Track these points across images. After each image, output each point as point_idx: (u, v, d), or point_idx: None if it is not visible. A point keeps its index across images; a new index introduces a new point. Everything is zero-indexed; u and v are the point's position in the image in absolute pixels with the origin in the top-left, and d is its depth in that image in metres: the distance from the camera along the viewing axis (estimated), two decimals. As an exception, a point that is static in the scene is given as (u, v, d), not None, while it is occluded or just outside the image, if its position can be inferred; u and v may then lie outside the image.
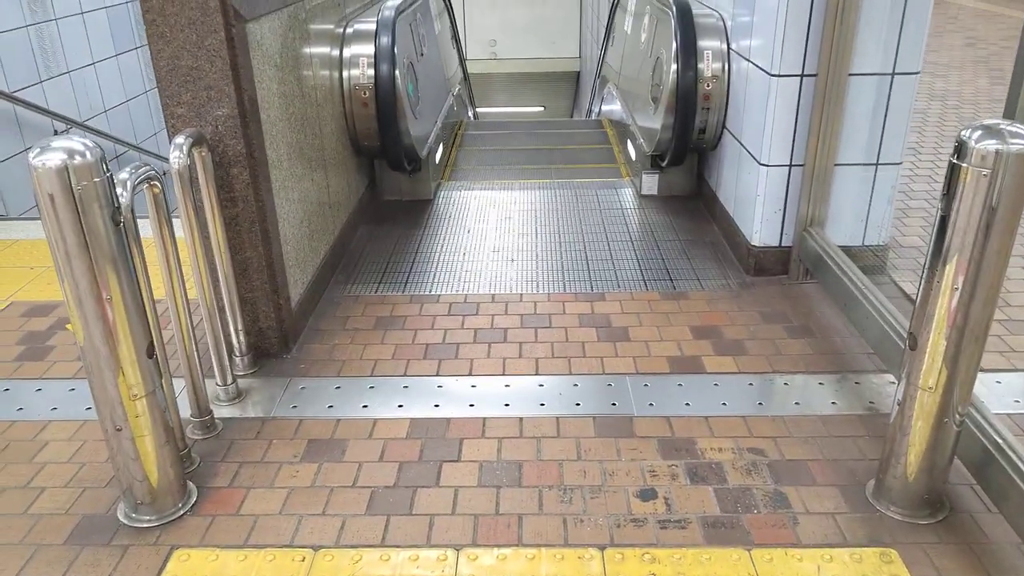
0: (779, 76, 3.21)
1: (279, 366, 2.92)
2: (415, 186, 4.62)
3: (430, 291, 3.50)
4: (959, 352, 1.93)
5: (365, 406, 2.65)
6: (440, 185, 4.96)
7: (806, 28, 3.12)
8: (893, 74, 3.18)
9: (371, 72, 3.86)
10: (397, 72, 3.88)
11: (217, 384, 2.65)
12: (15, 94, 5.29)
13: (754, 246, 3.53)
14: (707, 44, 3.88)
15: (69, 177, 1.82)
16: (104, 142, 6.16)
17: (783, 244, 3.51)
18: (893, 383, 2.70)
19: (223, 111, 2.62)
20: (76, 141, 1.86)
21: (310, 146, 3.35)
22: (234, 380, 2.69)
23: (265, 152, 2.80)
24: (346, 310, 3.34)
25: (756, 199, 3.46)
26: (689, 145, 4.04)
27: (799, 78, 3.21)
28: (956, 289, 1.86)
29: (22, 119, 5.38)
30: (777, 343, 3.00)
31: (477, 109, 13.35)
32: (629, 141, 5.15)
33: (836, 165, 3.30)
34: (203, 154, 2.54)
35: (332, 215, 3.67)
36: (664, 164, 4.29)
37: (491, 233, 4.15)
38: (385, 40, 3.89)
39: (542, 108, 15.50)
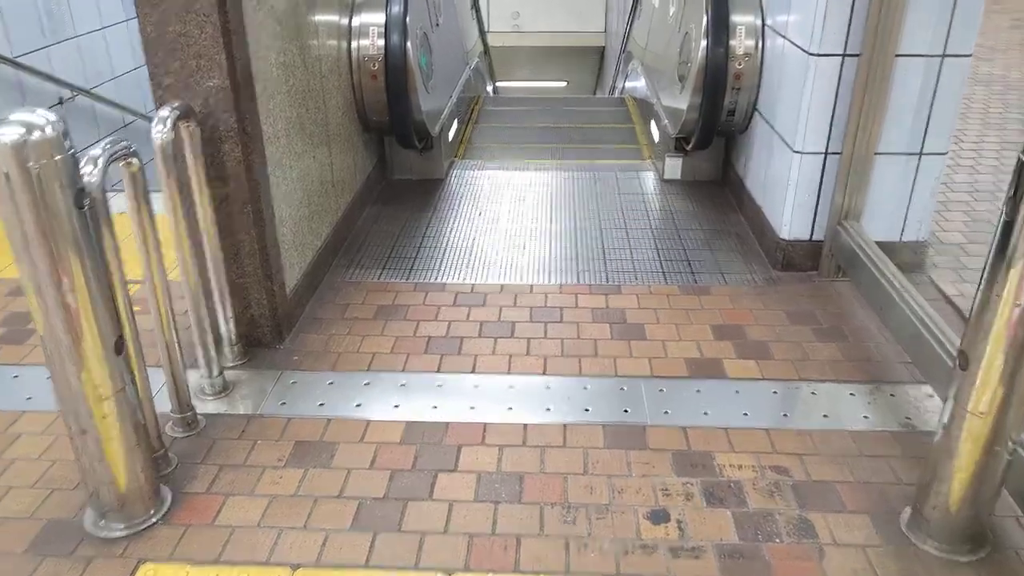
0: (818, 55, 2.96)
1: (271, 357, 2.74)
2: (426, 165, 4.41)
3: (436, 279, 3.31)
4: (1018, 373, 1.71)
5: (359, 405, 2.47)
6: (453, 163, 4.74)
7: (850, 4, 2.85)
8: (943, 56, 2.91)
9: (381, 43, 3.64)
10: (409, 43, 3.66)
11: (202, 376, 2.48)
12: (19, 59, 5.12)
13: (783, 239, 3.30)
14: (740, 19, 3.62)
15: (26, 154, 1.64)
16: (112, 111, 5.99)
17: (814, 238, 3.28)
18: (931, 396, 2.48)
19: (214, 82, 2.42)
20: (38, 115, 1.68)
21: (312, 121, 3.15)
22: (220, 372, 2.52)
23: (260, 127, 2.60)
24: (346, 297, 3.16)
25: (787, 188, 3.22)
26: (717, 127, 3.79)
27: (840, 58, 2.95)
28: (1019, 305, 1.64)
29: (26, 86, 5.22)
30: (804, 347, 2.78)
31: (498, 83, 13.08)
32: (653, 122, 4.89)
33: (876, 154, 3.05)
34: (191, 129, 2.35)
35: (335, 195, 3.48)
36: (689, 148, 4.05)
37: (503, 217, 3.94)
38: (397, 9, 3.66)
39: (565, 83, 15.16)
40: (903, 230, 3.22)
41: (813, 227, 3.26)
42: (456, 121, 4.98)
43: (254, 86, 2.56)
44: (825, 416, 2.41)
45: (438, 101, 4.33)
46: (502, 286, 3.25)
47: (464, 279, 3.31)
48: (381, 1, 3.71)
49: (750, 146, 3.80)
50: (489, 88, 8.25)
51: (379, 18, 3.67)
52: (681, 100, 3.97)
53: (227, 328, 2.63)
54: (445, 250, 3.57)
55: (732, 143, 4.17)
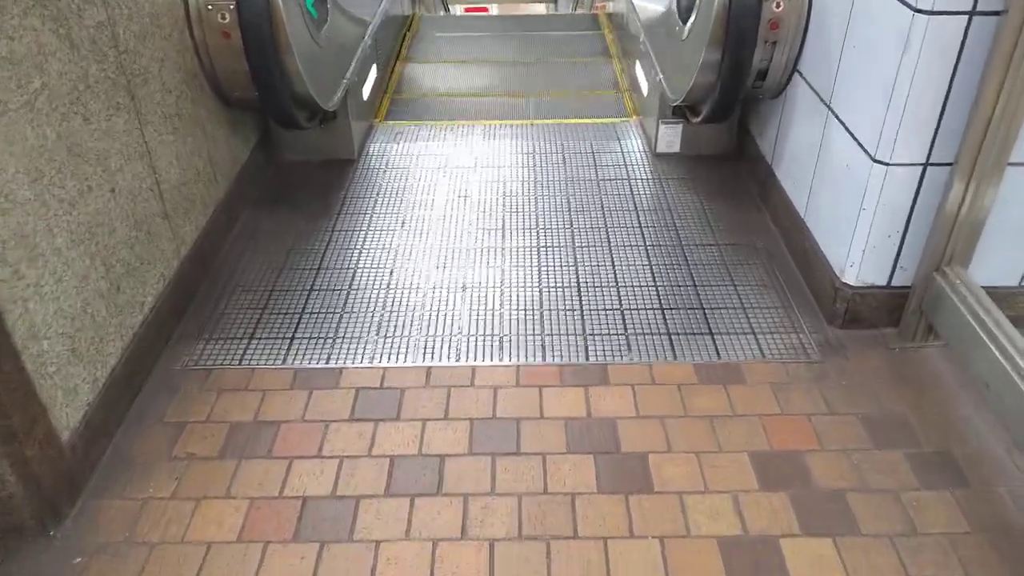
0: (931, 13, 1.78)
1: (34, 559, 1.64)
2: (330, 140, 3.18)
3: (327, 360, 2.19)
4: None
5: None
6: (372, 130, 3.50)
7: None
8: None
9: (231, -21, 2.35)
10: (275, -21, 2.37)
11: None
12: None
13: (847, 284, 2.21)
14: (778, -67, 2.38)
15: None
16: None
17: (894, 283, 2.19)
18: None
19: None
20: None
21: (100, 132, 1.92)
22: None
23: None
24: (183, 406, 2.03)
25: (858, 214, 2.10)
26: (740, 96, 2.61)
27: (966, 16, 1.78)
28: None
29: None
30: (906, 501, 1.75)
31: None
32: (638, 63, 3.65)
33: (1011, 165, 1.93)
34: None
35: (172, 227, 2.28)
36: (697, 120, 2.86)
37: (435, 228, 2.78)
38: (252, -78, 2.35)
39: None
40: (1026, 271, 2.14)
41: (894, 271, 2.17)
42: (374, 69, 3.68)
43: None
44: None
45: (339, 54, 3.06)
46: (428, 372, 2.14)
47: (370, 358, 2.19)
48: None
49: (786, 118, 2.64)
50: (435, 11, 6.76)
51: (226, -63, 2.35)
52: (686, 53, 2.76)
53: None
54: (346, 300, 2.43)
55: (752, 104, 2.99)
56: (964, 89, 1.86)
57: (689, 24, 2.72)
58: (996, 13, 1.76)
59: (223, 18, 2.37)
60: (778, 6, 2.39)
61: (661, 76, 3.05)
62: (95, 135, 1.87)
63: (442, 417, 1.99)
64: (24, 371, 1.60)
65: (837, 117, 2.22)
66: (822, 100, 2.33)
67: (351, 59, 3.16)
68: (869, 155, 2.03)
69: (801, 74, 2.50)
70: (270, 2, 2.36)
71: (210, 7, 2.37)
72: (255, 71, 2.44)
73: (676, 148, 3.21)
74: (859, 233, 2.12)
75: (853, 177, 2.12)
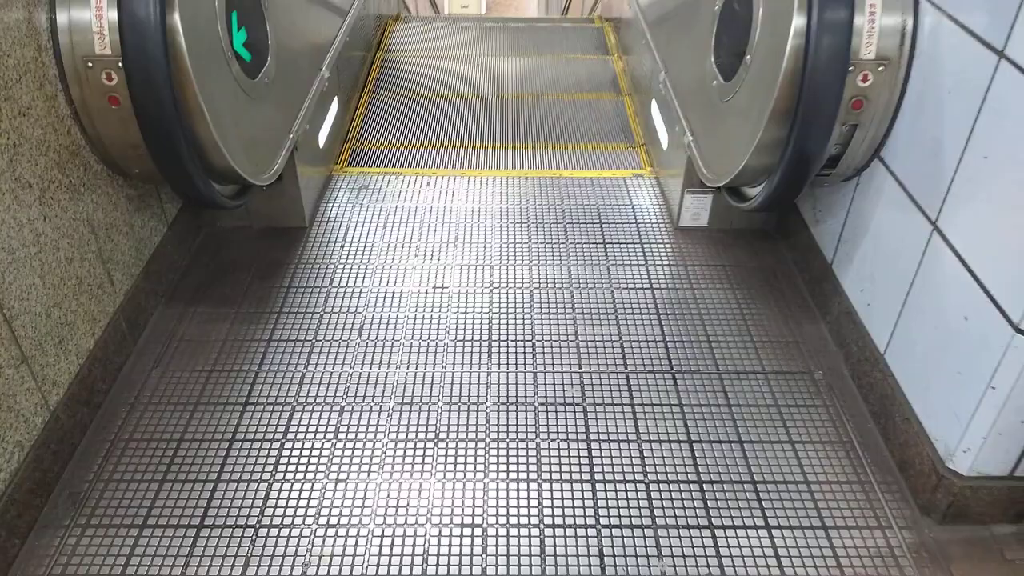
0: None
1: None
2: (274, 204, 2.54)
3: (243, 570, 1.58)
4: None
5: None
6: (329, 185, 2.86)
7: None
8: None
9: (114, 17, 1.68)
10: (177, 18, 1.71)
11: None
12: None
13: (957, 473, 1.63)
14: (868, -20, 1.75)
15: None
16: None
17: (1017, 474, 1.62)
18: None
19: None
20: None
21: None
22: None
23: None
24: (31, 660, 1.42)
25: (984, 393, 1.51)
26: (805, 188, 1.99)
27: None
28: None
29: None
30: None
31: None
32: (654, 104, 3.02)
33: None
34: None
35: (32, 371, 1.65)
36: (745, 205, 2.24)
37: (403, 337, 2.16)
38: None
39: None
40: None
41: (1021, 459, 1.59)
42: (335, 102, 3.03)
43: None
44: None
45: (282, 103, 2.40)
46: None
47: (302, 568, 1.58)
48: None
49: (857, 208, 2.04)
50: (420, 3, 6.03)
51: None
52: (731, 121, 2.15)
53: None
54: (276, 459, 1.81)
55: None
56: None
57: (736, 84, 2.09)
58: None
59: (109, 79, 1.72)
60: (865, 79, 1.78)
61: (691, 139, 2.43)
62: None
63: None
64: None
65: (948, 243, 1.63)
66: (919, 208, 1.73)
67: (300, 105, 2.51)
68: (1008, 319, 1.44)
69: (885, 163, 1.90)
70: (171, 54, 1.70)
71: (90, 64, 1.71)
72: (153, 148, 1.79)
73: (703, 222, 2.61)
74: (982, 415, 1.53)
75: (977, 338, 1.53)
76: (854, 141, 1.89)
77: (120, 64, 1.69)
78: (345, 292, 2.33)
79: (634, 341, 2.17)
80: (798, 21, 1.75)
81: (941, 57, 1.67)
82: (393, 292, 2.33)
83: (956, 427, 1.60)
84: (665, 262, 2.48)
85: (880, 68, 1.77)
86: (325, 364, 2.07)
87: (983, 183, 1.52)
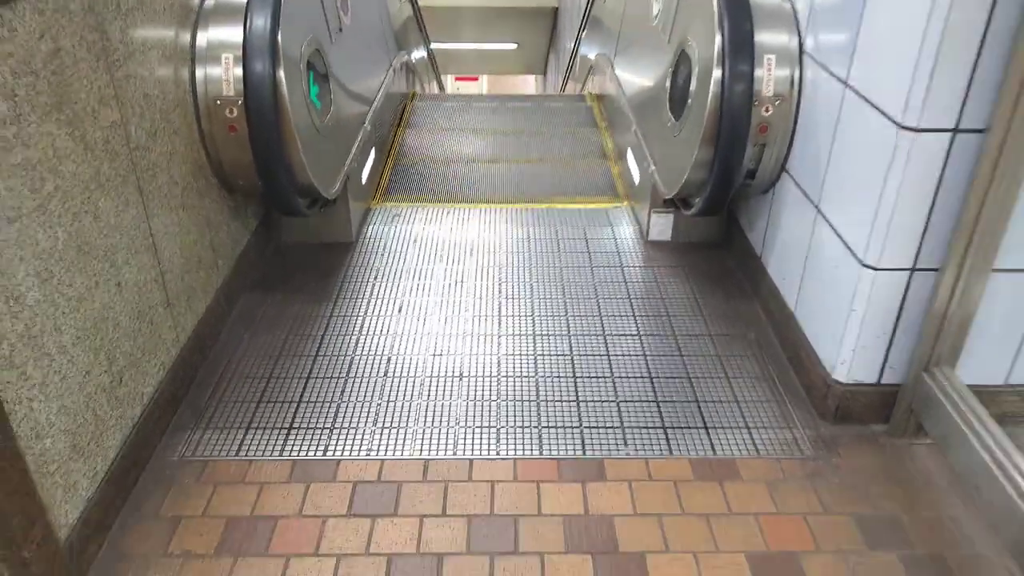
0: (916, 130, 1.87)
1: (24, 668, 1.61)
2: (329, 224, 3.24)
3: (325, 451, 2.19)
4: None
5: None
6: (369, 214, 3.57)
7: (971, 62, 1.77)
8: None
9: (239, 73, 2.42)
10: (282, 74, 2.45)
11: None
12: None
13: (838, 382, 2.25)
14: (769, 38, 2.50)
15: None
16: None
17: (884, 382, 2.24)
18: None
19: None
20: None
21: (108, 228, 1.96)
22: None
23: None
24: (179, 501, 2.02)
25: (848, 316, 2.16)
26: (731, 194, 2.69)
27: (950, 134, 1.87)
28: None
29: None
30: (902, 608, 1.76)
31: (440, 44, 11.66)
32: (630, 152, 3.77)
33: (995, 271, 2.00)
34: None
35: (172, 317, 2.30)
36: (689, 213, 2.94)
37: (433, 313, 2.81)
38: (262, 21, 2.44)
39: (515, 45, 13.84)
40: (1010, 371, 2.20)
41: (883, 369, 2.22)
42: (373, 153, 3.78)
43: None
44: None
45: (340, 143, 3.14)
46: (425, 466, 2.14)
47: (368, 451, 2.19)
48: (239, 5, 2.48)
49: (775, 213, 2.72)
50: (431, 84, 6.94)
51: (234, 35, 2.44)
52: (679, 149, 2.86)
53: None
54: (343, 389, 2.44)
55: (742, 197, 3.08)
56: (948, 200, 1.94)
57: (683, 122, 2.82)
58: (979, 131, 1.85)
59: (231, 113, 2.44)
60: (767, 111, 2.50)
61: (653, 167, 3.15)
62: (104, 231, 1.91)
63: (440, 513, 1.99)
64: (26, 473, 1.60)
65: (826, 219, 2.31)
66: (810, 200, 2.42)
67: (351, 146, 3.24)
68: (858, 259, 2.10)
69: (789, 173, 2.60)
70: (277, 97, 2.43)
71: (219, 102, 2.44)
72: (260, 164, 2.50)
73: (668, 236, 3.29)
74: (849, 332, 2.18)
75: (842, 278, 2.19)
76: (765, 158, 2.60)
77: (240, 102, 2.42)
78: (386, 285, 2.99)
79: (610, 316, 2.81)
80: (716, 73, 2.48)
81: (816, 93, 2.39)
82: (422, 285, 2.99)
83: (835, 346, 2.24)
84: (637, 264, 3.15)
85: (777, 102, 2.49)
86: (374, 330, 2.71)
87: (840, 171, 2.22)
